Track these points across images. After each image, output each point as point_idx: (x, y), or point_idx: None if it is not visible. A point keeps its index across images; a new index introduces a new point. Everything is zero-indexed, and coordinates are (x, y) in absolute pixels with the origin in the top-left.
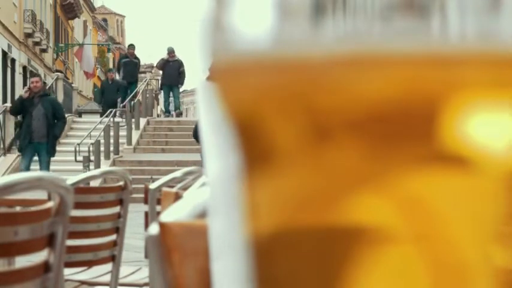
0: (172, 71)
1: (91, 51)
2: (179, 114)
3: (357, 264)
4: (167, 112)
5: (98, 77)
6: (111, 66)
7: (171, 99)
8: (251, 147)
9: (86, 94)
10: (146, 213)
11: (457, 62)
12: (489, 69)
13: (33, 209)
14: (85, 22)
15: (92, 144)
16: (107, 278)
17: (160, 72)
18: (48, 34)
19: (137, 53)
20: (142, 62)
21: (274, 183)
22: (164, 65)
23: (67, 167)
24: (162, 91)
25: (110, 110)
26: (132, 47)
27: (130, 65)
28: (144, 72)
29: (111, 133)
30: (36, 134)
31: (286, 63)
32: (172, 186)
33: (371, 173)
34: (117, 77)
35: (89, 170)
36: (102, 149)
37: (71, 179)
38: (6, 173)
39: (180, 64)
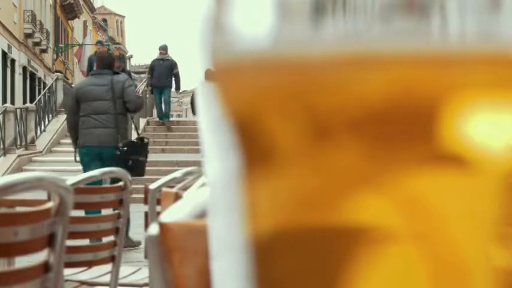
0: (163, 70)
1: (91, 51)
2: (167, 123)
3: (357, 264)
4: (161, 119)
5: None
6: None
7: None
8: (251, 147)
9: None
10: (146, 214)
11: (457, 62)
12: (489, 69)
13: (33, 209)
14: (85, 22)
15: None
16: (107, 278)
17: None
18: (48, 34)
19: (136, 53)
20: (142, 62)
21: (273, 183)
22: (154, 64)
23: (67, 167)
24: (152, 95)
25: None
26: (119, 59)
27: None
28: (144, 73)
29: None
30: None
31: (286, 63)
32: (172, 186)
33: (371, 172)
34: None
35: None
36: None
37: (71, 179)
38: (6, 173)
39: (172, 64)
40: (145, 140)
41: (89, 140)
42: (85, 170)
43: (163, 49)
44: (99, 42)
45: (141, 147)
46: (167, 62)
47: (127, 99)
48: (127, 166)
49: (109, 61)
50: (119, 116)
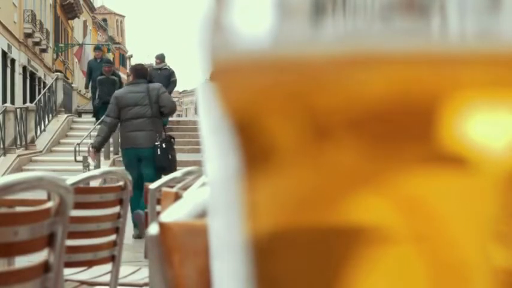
0: (161, 80)
1: (91, 51)
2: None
3: (356, 264)
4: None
5: None
6: None
7: None
8: (251, 147)
9: (85, 94)
10: (146, 213)
11: (457, 62)
12: (489, 69)
13: (33, 209)
14: (85, 22)
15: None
16: (107, 278)
17: None
18: (48, 34)
19: (136, 53)
20: (141, 62)
21: (273, 183)
22: (152, 74)
23: (67, 167)
24: None
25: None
26: (107, 64)
27: (107, 83)
28: None
29: None
30: None
31: (286, 63)
32: (172, 186)
33: (370, 172)
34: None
35: (89, 170)
36: (102, 149)
37: (71, 179)
38: (6, 173)
39: (170, 73)
40: (173, 140)
41: (129, 142)
42: (126, 169)
43: (159, 58)
44: (97, 49)
45: (172, 144)
46: (165, 71)
47: (162, 104)
48: (168, 160)
49: (143, 72)
50: (155, 119)
